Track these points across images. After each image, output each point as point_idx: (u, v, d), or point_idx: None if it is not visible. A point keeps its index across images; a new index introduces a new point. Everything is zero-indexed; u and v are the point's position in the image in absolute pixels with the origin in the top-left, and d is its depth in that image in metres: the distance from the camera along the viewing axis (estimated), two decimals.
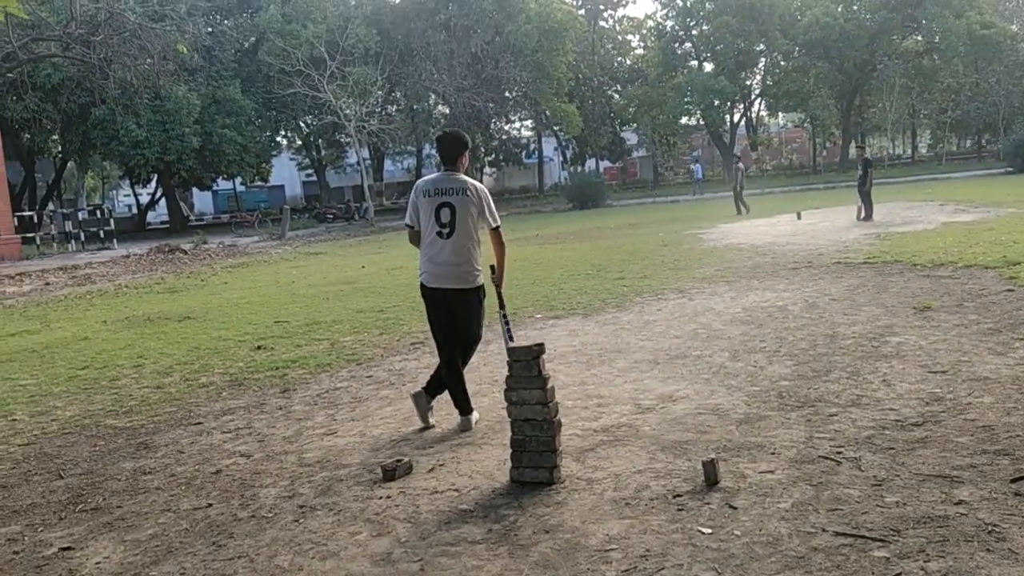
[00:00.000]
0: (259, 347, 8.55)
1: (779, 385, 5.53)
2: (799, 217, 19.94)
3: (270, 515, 4.01)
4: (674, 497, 3.81)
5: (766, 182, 45.65)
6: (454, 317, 5.20)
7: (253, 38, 42.70)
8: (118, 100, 30.63)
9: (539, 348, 4.17)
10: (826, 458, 4.13)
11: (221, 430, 5.61)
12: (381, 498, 4.12)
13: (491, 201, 5.16)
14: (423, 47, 42.74)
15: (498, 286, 5.34)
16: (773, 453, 4.28)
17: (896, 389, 5.21)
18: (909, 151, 65.05)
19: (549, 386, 4.15)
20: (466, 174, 5.23)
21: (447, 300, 5.16)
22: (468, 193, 5.03)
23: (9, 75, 25.23)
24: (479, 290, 5.21)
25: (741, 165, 27.32)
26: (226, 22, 42.78)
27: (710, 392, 5.52)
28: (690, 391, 5.59)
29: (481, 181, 55.41)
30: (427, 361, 7.30)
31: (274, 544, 3.67)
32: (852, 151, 42.55)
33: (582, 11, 53.15)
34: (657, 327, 7.96)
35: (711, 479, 3.92)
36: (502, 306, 5.42)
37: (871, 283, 9.40)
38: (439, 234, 5.05)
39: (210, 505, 4.21)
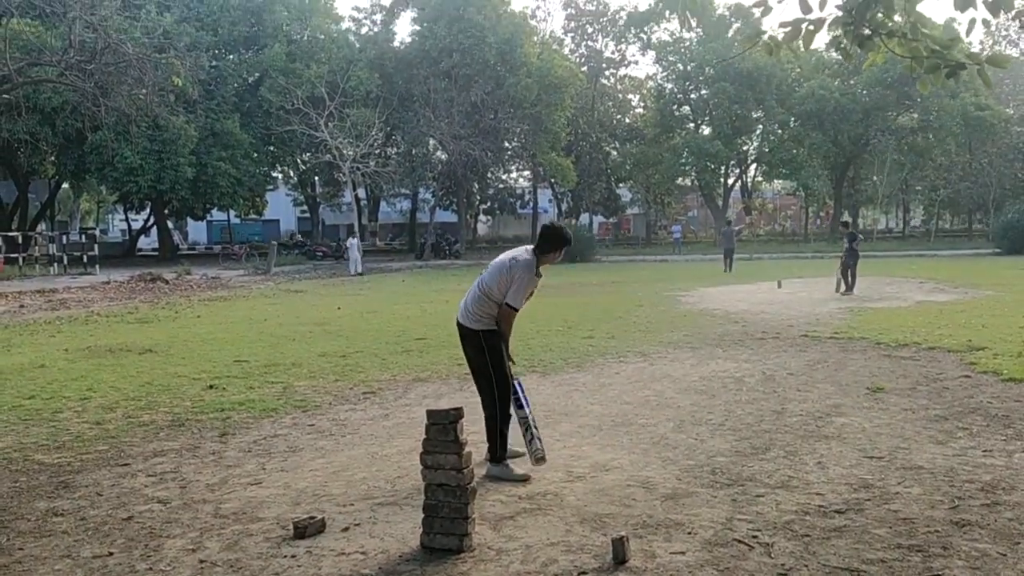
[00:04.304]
0: (211, 386, 8.47)
1: (714, 461, 5.48)
2: (779, 286, 20.00)
3: (168, 569, 3.92)
4: (579, 575, 3.74)
5: (757, 247, 45.94)
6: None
7: (257, 74, 43.17)
8: (113, 127, 30.85)
9: (457, 412, 4.12)
10: (740, 542, 4.07)
11: (147, 473, 5.52)
12: (286, 556, 4.04)
13: (521, 280, 5.22)
14: (424, 93, 43.21)
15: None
16: (690, 533, 4.21)
17: (828, 472, 5.16)
18: (901, 225, 65.65)
19: (466, 451, 4.10)
20: (539, 259, 5.35)
21: (459, 332, 5.47)
22: (502, 264, 5.33)
23: (5, 96, 25.39)
24: (477, 334, 5.32)
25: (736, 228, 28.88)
26: (230, 57, 43.24)
27: (644, 463, 5.47)
28: (625, 461, 5.53)
29: (475, 228, 55.75)
30: (373, 412, 7.24)
31: None
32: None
33: (584, 68, 53.94)
34: (611, 391, 7.91)
35: (619, 557, 3.86)
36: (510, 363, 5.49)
37: (832, 359, 9.38)
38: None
39: (111, 554, 4.12)
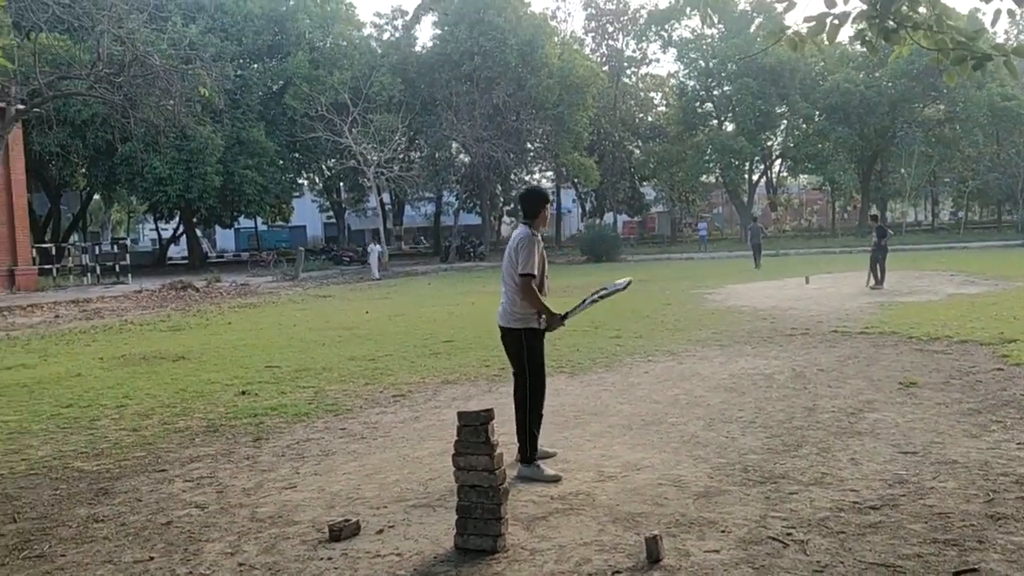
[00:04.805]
0: (244, 392, 8.57)
1: (746, 458, 5.47)
2: (807, 281, 19.86)
3: (208, 572, 3.99)
4: (613, 574, 3.76)
5: (784, 243, 45.60)
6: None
7: (281, 82, 43.55)
8: (142, 138, 31.31)
9: (488, 414, 4.15)
10: (775, 539, 4.06)
11: (184, 478, 5.61)
12: (322, 559, 4.09)
13: (524, 249, 5.34)
14: (446, 97, 43.38)
15: (547, 329, 5.48)
16: (723, 531, 4.21)
17: (862, 469, 5.13)
18: (930, 217, 64.85)
19: (497, 453, 4.13)
20: (532, 225, 5.50)
21: (500, 333, 5.55)
22: (509, 245, 5.50)
23: (36, 110, 25.83)
24: (520, 333, 5.40)
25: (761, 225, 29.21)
26: (254, 66, 43.65)
27: (676, 462, 5.47)
28: (656, 460, 5.53)
29: (499, 229, 55.75)
30: (403, 415, 7.30)
31: None
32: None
33: (606, 67, 53.86)
34: (640, 390, 7.91)
35: (653, 556, 3.87)
36: (564, 317, 5.51)
37: (863, 354, 9.31)
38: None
39: (151, 559, 4.19)
